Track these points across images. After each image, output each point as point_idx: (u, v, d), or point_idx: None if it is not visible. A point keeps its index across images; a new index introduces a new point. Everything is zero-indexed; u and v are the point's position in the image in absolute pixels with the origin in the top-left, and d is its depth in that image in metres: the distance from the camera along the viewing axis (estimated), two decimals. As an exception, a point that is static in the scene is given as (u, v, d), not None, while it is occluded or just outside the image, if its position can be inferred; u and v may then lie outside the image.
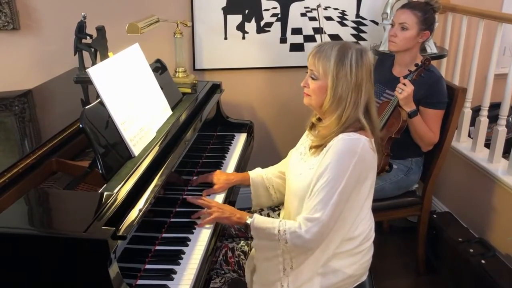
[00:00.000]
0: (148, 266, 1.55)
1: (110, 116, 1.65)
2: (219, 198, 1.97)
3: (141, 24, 2.15)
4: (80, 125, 1.53)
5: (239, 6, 2.85)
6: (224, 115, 2.62)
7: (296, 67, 2.98)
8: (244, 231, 1.97)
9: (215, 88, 2.55)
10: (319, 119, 1.78)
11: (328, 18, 2.97)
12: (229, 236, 2.02)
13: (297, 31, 2.97)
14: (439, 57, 2.85)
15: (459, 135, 2.92)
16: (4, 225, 1.31)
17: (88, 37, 2.33)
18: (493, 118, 2.75)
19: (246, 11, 2.87)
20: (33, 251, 1.27)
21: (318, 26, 2.81)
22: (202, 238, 1.71)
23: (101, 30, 2.30)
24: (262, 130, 3.12)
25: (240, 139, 2.51)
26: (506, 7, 3.24)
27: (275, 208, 2.07)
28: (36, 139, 1.85)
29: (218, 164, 2.24)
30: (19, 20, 2.58)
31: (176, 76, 2.47)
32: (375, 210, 1.86)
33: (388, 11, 2.83)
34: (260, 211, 2.07)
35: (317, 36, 2.97)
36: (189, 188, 2.02)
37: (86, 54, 2.35)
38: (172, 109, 2.09)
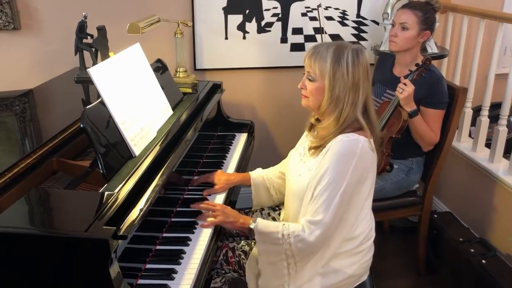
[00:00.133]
0: (148, 266, 1.55)
1: (111, 116, 1.65)
2: (220, 198, 1.97)
3: (142, 24, 2.15)
4: (81, 125, 1.53)
5: (240, 6, 2.85)
6: (225, 115, 2.62)
7: (296, 67, 2.98)
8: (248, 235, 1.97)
9: (216, 88, 2.55)
10: (318, 120, 1.78)
11: (329, 18, 2.97)
12: (229, 235, 2.02)
13: (297, 31, 2.98)
14: (439, 57, 2.85)
15: (460, 135, 2.92)
16: (5, 224, 1.31)
17: (89, 37, 2.33)
18: (494, 118, 2.75)
19: (247, 11, 2.87)
20: (34, 250, 1.27)
21: (318, 26, 2.81)
22: (202, 238, 1.71)
23: (102, 30, 2.30)
24: (263, 130, 3.12)
25: (241, 139, 2.51)
26: (507, 7, 3.24)
27: (275, 208, 2.07)
28: (37, 139, 1.85)
29: (218, 164, 2.24)
30: (20, 20, 2.58)
31: (177, 76, 2.47)
32: (375, 210, 1.87)
33: (389, 11, 2.83)
34: (261, 211, 2.07)
35: (318, 36, 2.97)
36: (189, 188, 2.02)
37: (87, 54, 2.35)
38: (173, 109, 2.09)
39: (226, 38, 2.90)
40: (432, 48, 2.77)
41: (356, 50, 1.63)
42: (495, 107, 2.74)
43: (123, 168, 1.60)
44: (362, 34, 3.05)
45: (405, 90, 2.20)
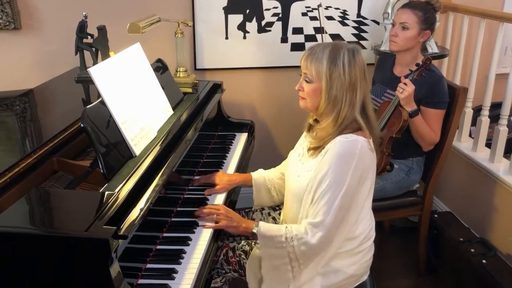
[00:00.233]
0: (149, 266, 1.55)
1: (111, 115, 1.65)
2: (220, 198, 1.97)
3: (142, 24, 2.15)
4: (81, 125, 1.53)
5: (240, 5, 2.85)
6: (225, 114, 2.62)
7: (297, 66, 2.92)
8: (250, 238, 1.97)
9: (216, 87, 2.55)
10: (316, 121, 1.77)
11: (329, 18, 2.97)
12: (230, 235, 2.02)
13: (298, 30, 2.97)
14: (440, 56, 2.84)
15: (460, 135, 2.92)
16: (6, 224, 1.31)
17: (89, 37, 2.33)
18: (494, 118, 2.75)
19: (247, 11, 2.87)
20: (34, 250, 1.28)
21: (319, 25, 2.81)
22: (203, 237, 1.71)
23: (102, 29, 2.30)
24: (263, 129, 3.12)
25: (241, 139, 2.51)
26: (507, 7, 3.24)
27: (276, 208, 2.07)
28: (37, 139, 1.85)
29: (219, 163, 2.24)
30: (21, 19, 2.58)
31: (177, 75, 2.47)
32: (376, 210, 1.86)
33: (389, 10, 2.83)
34: (261, 211, 2.07)
35: (318, 36, 2.97)
36: (190, 187, 2.03)
37: (87, 54, 2.35)
38: (173, 108, 2.09)
39: (227, 37, 2.90)
40: (432, 48, 2.76)
41: (352, 50, 1.63)
42: (496, 107, 2.74)
43: (124, 168, 1.60)
44: (363, 34, 3.05)
45: (406, 90, 2.20)
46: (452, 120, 2.39)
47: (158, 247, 1.65)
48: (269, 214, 2.05)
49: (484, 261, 2.32)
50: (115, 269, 1.27)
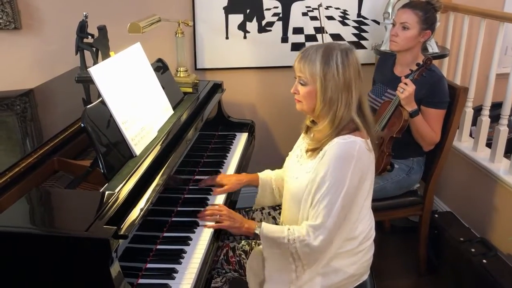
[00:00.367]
0: (149, 265, 1.55)
1: (111, 115, 1.65)
2: (220, 197, 1.97)
3: (143, 24, 2.15)
4: (82, 125, 1.53)
5: (241, 5, 2.85)
6: (226, 114, 2.62)
7: (297, 66, 2.98)
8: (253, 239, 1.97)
9: (217, 87, 2.55)
10: (314, 122, 1.77)
11: (330, 18, 2.96)
12: (230, 234, 2.02)
13: (298, 30, 2.97)
14: (440, 56, 2.84)
15: (461, 134, 2.92)
16: (6, 224, 1.31)
17: (89, 37, 2.33)
18: (495, 118, 2.75)
19: (248, 11, 2.87)
20: (34, 250, 1.28)
21: (319, 25, 2.81)
22: (203, 237, 1.71)
23: (102, 29, 2.30)
24: (263, 129, 3.12)
25: (242, 139, 2.51)
26: (507, 7, 3.24)
27: (276, 207, 2.08)
28: (37, 139, 1.85)
29: (219, 163, 2.24)
30: (21, 19, 2.58)
31: (178, 75, 2.47)
32: (376, 210, 1.86)
33: (390, 10, 2.83)
34: (261, 210, 2.07)
35: (319, 36, 2.97)
36: (190, 187, 2.03)
37: (87, 54, 2.35)
38: (174, 108, 2.09)
39: (227, 37, 2.90)
40: (433, 48, 2.76)
41: (345, 50, 1.62)
42: (496, 106, 2.74)
43: (124, 168, 1.60)
44: (363, 34, 3.05)
45: (406, 90, 2.20)
46: (452, 120, 2.39)
47: (159, 247, 1.65)
48: (269, 213, 2.05)
49: (484, 261, 2.31)
50: (115, 269, 1.27)
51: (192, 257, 1.60)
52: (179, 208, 1.87)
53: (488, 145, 2.75)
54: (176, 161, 1.79)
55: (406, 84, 2.21)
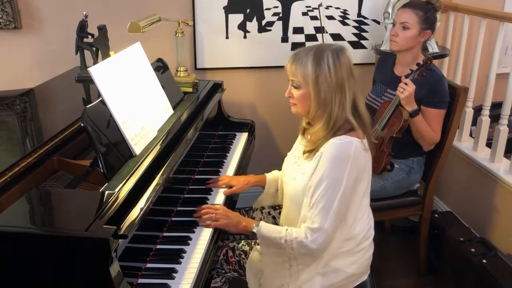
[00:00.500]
0: (149, 265, 1.55)
1: (111, 115, 1.65)
2: (221, 197, 1.98)
3: (143, 23, 2.15)
4: (82, 124, 1.53)
5: (241, 5, 2.85)
6: (226, 114, 2.62)
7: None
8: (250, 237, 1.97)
9: (217, 87, 2.55)
10: (310, 124, 1.77)
11: (330, 17, 2.96)
12: (230, 234, 2.02)
13: (298, 30, 2.97)
14: (440, 56, 2.84)
15: (461, 134, 2.91)
16: (6, 223, 1.31)
17: (89, 36, 2.33)
18: (495, 118, 2.75)
19: (248, 10, 2.87)
20: (34, 249, 1.28)
21: (319, 25, 2.81)
22: (203, 237, 1.71)
23: (102, 29, 2.30)
24: (263, 129, 3.12)
25: (242, 139, 2.51)
26: (508, 7, 3.24)
27: (276, 207, 2.08)
28: (37, 138, 1.85)
29: (219, 163, 2.24)
30: (21, 19, 2.58)
31: (178, 75, 2.47)
32: (376, 210, 1.86)
33: (390, 10, 2.83)
34: (261, 209, 2.07)
35: (319, 36, 2.97)
36: (190, 187, 2.03)
37: (87, 53, 2.35)
38: (174, 108, 2.09)
39: (227, 37, 2.90)
40: (433, 48, 2.76)
41: (336, 51, 1.62)
42: (496, 106, 2.74)
43: (124, 168, 1.60)
44: (363, 34, 3.05)
45: (406, 90, 2.20)
46: (452, 120, 2.39)
47: (158, 246, 1.65)
48: (269, 213, 2.05)
49: (484, 261, 2.31)
50: (115, 269, 1.27)
51: (192, 257, 1.60)
52: (179, 208, 1.87)
53: (488, 145, 2.75)
54: (176, 161, 1.79)
55: (406, 84, 2.20)
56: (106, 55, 2.26)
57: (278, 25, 2.94)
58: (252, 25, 2.91)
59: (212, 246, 1.71)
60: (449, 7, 2.96)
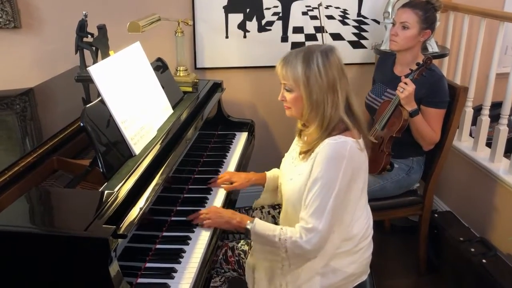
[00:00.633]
0: (148, 265, 1.55)
1: (111, 114, 1.65)
2: (220, 196, 1.98)
3: (142, 23, 2.15)
4: (81, 124, 1.53)
5: (240, 4, 2.84)
6: (225, 114, 2.62)
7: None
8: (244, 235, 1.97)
9: (216, 87, 2.55)
10: (305, 125, 1.77)
11: (330, 17, 2.96)
12: (230, 232, 2.02)
13: (298, 30, 2.97)
14: (440, 56, 2.84)
15: (461, 134, 2.91)
16: (5, 223, 1.31)
17: (89, 36, 2.33)
18: (495, 118, 2.75)
19: (247, 10, 2.87)
20: (34, 249, 1.28)
21: (319, 25, 2.81)
22: (202, 237, 1.71)
23: (102, 28, 2.30)
24: (263, 129, 3.12)
25: (241, 138, 2.51)
26: (508, 6, 3.24)
27: (275, 206, 2.08)
28: (37, 138, 1.85)
29: (219, 163, 2.24)
30: (21, 18, 2.58)
31: (177, 74, 2.46)
32: (376, 209, 1.87)
33: (390, 10, 2.83)
34: (261, 209, 2.07)
35: (319, 35, 2.96)
36: (189, 187, 2.03)
37: (87, 53, 2.35)
38: (173, 107, 2.09)
39: (227, 37, 2.90)
40: (433, 47, 2.76)
41: (325, 51, 1.62)
42: (496, 106, 2.74)
43: (123, 167, 1.60)
44: (363, 33, 3.05)
45: (406, 90, 2.20)
46: (452, 120, 2.39)
47: (158, 246, 1.65)
48: (268, 212, 2.05)
49: (484, 260, 2.31)
50: (114, 268, 1.27)
51: (192, 256, 1.60)
52: (178, 208, 1.87)
53: (488, 144, 2.75)
54: (175, 161, 1.79)
55: (406, 83, 2.20)
56: (105, 55, 2.26)
57: (278, 25, 2.94)
58: (252, 25, 2.90)
59: (212, 245, 1.71)
60: (449, 7, 2.96)
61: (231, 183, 2.04)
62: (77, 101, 2.17)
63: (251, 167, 2.42)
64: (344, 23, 3.01)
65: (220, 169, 2.19)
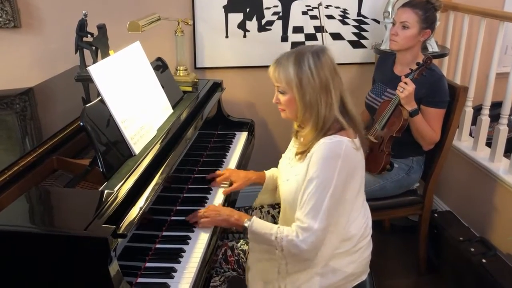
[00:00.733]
0: (148, 264, 1.55)
1: (110, 114, 1.65)
2: (220, 196, 1.97)
3: (142, 22, 2.15)
4: (81, 123, 1.53)
5: (240, 4, 2.84)
6: (225, 113, 2.62)
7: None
8: (242, 233, 1.97)
9: (216, 86, 2.55)
10: (301, 126, 1.77)
11: (330, 17, 2.96)
12: (230, 231, 2.02)
13: (298, 29, 2.97)
14: (440, 55, 2.84)
15: (460, 134, 2.91)
16: (5, 223, 1.31)
17: (89, 35, 2.33)
18: (495, 117, 2.75)
19: (247, 10, 2.87)
20: (33, 249, 1.28)
21: (319, 24, 2.81)
22: (202, 236, 1.71)
23: (102, 28, 2.30)
24: (263, 128, 3.12)
25: (241, 138, 2.51)
26: (507, 6, 3.24)
27: (275, 206, 2.08)
28: (37, 137, 1.85)
29: (219, 162, 2.24)
30: (20, 18, 2.58)
31: (177, 74, 2.46)
32: (376, 209, 1.86)
33: (390, 9, 2.83)
34: (261, 208, 2.07)
35: (318, 35, 2.96)
36: (189, 186, 2.02)
37: (87, 52, 2.35)
38: (173, 107, 2.09)
39: (227, 36, 2.90)
40: (432, 47, 2.76)
41: (317, 52, 1.62)
42: (496, 106, 2.74)
43: (123, 167, 1.60)
44: (363, 33, 3.05)
45: (406, 89, 2.20)
46: (452, 119, 2.39)
47: (158, 246, 1.65)
48: (268, 212, 2.06)
49: (484, 260, 2.31)
50: (114, 268, 1.27)
51: (191, 256, 1.60)
52: (178, 207, 1.87)
53: (488, 144, 2.75)
54: (175, 160, 1.79)
55: (406, 83, 2.20)
56: (105, 54, 2.26)
57: (278, 25, 2.93)
58: (252, 24, 2.90)
59: (211, 245, 1.71)
60: (449, 7, 2.96)
61: (230, 184, 2.04)
62: (77, 100, 2.17)
63: (251, 167, 2.42)
64: (344, 23, 3.01)
65: (220, 169, 2.18)
